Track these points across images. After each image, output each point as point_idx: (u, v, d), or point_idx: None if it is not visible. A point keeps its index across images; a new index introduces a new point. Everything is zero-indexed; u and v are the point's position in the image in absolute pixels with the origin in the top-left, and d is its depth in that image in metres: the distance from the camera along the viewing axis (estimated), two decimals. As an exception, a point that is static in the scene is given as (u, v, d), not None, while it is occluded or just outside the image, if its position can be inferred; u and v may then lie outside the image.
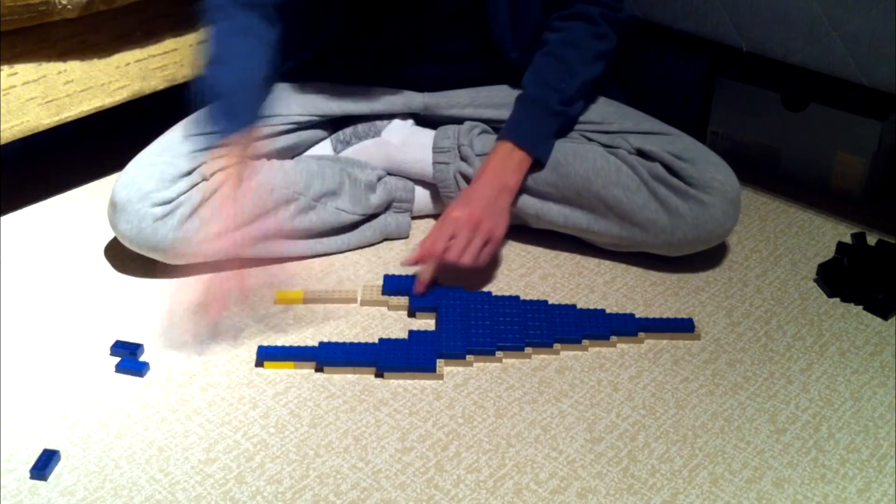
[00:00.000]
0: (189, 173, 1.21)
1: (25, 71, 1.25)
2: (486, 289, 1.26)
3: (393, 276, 1.27)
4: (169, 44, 1.39)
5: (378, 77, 1.38)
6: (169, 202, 1.19)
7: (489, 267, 1.31)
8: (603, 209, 1.27)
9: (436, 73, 1.37)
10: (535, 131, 1.27)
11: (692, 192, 1.24)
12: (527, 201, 1.30)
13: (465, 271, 1.21)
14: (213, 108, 1.23)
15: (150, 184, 1.19)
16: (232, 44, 1.23)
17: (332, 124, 1.38)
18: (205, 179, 1.23)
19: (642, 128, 1.30)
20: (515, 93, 1.31)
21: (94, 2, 1.25)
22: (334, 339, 1.17)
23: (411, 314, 1.22)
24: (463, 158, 1.33)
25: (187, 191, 1.21)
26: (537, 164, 1.28)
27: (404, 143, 1.36)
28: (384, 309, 1.23)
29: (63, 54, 1.28)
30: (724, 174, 1.25)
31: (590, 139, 1.31)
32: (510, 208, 1.26)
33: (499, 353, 1.15)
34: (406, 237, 1.37)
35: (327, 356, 1.12)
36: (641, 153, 1.28)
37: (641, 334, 1.19)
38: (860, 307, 1.25)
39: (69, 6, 1.23)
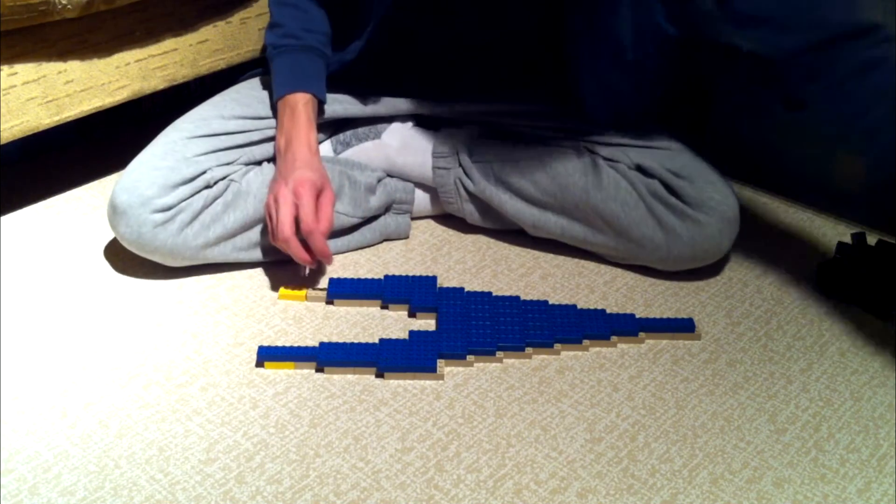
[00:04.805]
0: (192, 179, 1.21)
1: (25, 71, 1.25)
2: (486, 289, 1.26)
3: (394, 276, 1.27)
4: (169, 44, 1.39)
5: (404, 90, 1.38)
6: (170, 208, 1.19)
7: (489, 267, 1.31)
8: (600, 223, 1.27)
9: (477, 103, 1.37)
10: None
11: (689, 211, 1.23)
12: (524, 211, 1.30)
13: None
14: (278, 67, 1.27)
15: (152, 190, 1.18)
16: (296, 17, 1.30)
17: (332, 126, 1.38)
18: (208, 187, 1.22)
19: (643, 141, 1.30)
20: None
21: (94, 2, 1.25)
22: (334, 340, 1.17)
23: (411, 314, 1.22)
24: (461, 165, 1.33)
25: (189, 197, 1.20)
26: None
27: (404, 147, 1.36)
28: (384, 309, 1.23)
29: (63, 54, 1.28)
30: (722, 193, 1.24)
31: (591, 150, 1.31)
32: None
33: (499, 353, 1.15)
34: (406, 238, 1.37)
35: (328, 356, 1.12)
36: (640, 169, 1.28)
37: (642, 334, 1.19)
38: (860, 307, 1.25)
39: (69, 6, 1.23)
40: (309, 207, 1.17)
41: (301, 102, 1.25)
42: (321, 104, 1.29)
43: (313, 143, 1.24)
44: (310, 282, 1.26)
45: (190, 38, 1.41)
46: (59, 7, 1.22)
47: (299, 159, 1.21)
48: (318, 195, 1.19)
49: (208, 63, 1.45)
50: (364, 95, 1.36)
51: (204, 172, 1.22)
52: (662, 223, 1.24)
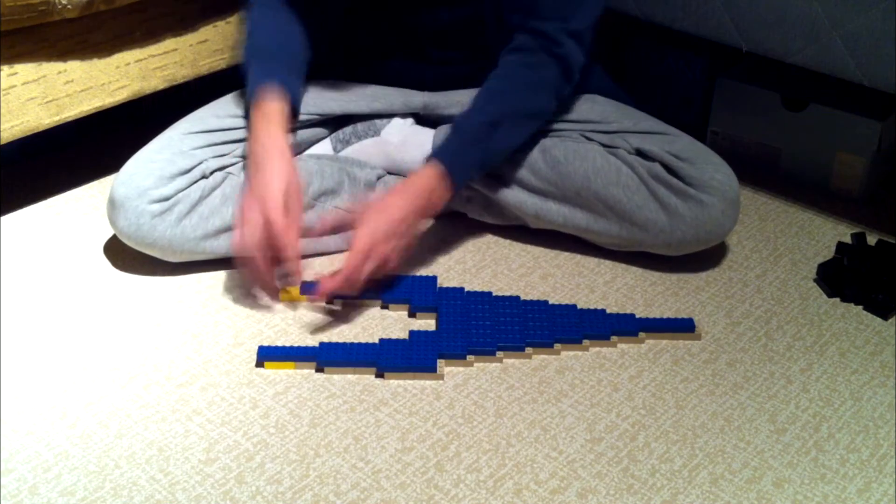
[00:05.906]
0: (188, 171, 1.22)
1: (25, 71, 1.25)
2: (486, 289, 1.26)
3: (394, 276, 1.27)
4: (169, 44, 1.39)
5: (378, 77, 1.38)
6: (167, 199, 1.20)
7: (489, 267, 1.31)
8: (602, 209, 1.28)
9: (435, 75, 1.37)
10: (464, 160, 1.22)
11: (691, 192, 1.24)
12: (526, 201, 1.31)
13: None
14: (251, 59, 1.26)
15: (149, 181, 1.20)
16: (271, 19, 1.29)
17: (332, 123, 1.38)
18: (204, 177, 1.23)
19: (641, 127, 1.30)
20: None
21: (94, 2, 1.25)
22: (335, 340, 1.17)
23: (412, 314, 1.22)
24: None
25: (186, 188, 1.22)
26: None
27: (404, 143, 1.36)
28: (384, 309, 1.23)
29: (63, 54, 1.28)
30: (724, 174, 1.25)
31: (589, 139, 1.31)
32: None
33: (499, 353, 1.15)
34: (406, 237, 1.37)
35: (328, 356, 1.12)
36: (641, 153, 1.28)
37: (642, 334, 1.19)
38: (860, 307, 1.25)
39: (69, 6, 1.23)
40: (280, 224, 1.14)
41: (264, 105, 1.22)
42: (293, 98, 1.26)
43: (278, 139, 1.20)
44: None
45: (190, 38, 1.41)
46: (59, 7, 1.22)
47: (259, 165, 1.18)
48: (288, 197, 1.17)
49: (208, 63, 1.45)
50: (355, 84, 1.37)
51: (199, 163, 1.23)
52: (665, 205, 1.24)
